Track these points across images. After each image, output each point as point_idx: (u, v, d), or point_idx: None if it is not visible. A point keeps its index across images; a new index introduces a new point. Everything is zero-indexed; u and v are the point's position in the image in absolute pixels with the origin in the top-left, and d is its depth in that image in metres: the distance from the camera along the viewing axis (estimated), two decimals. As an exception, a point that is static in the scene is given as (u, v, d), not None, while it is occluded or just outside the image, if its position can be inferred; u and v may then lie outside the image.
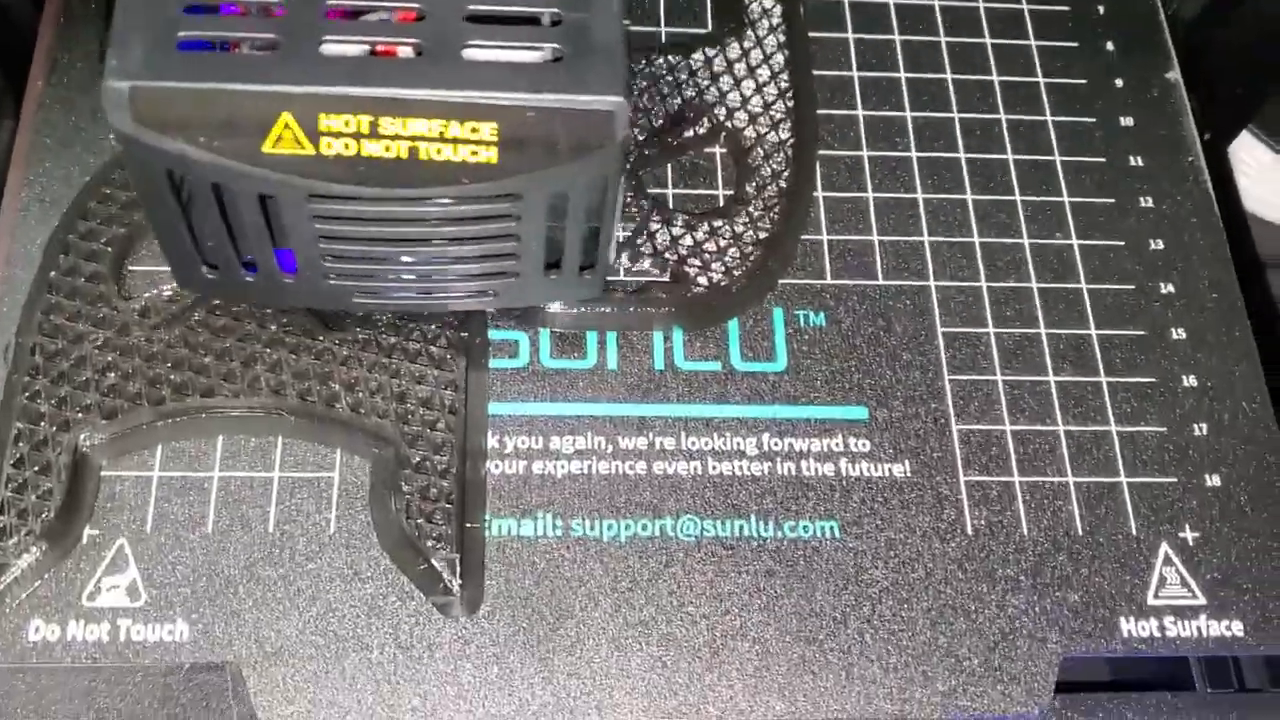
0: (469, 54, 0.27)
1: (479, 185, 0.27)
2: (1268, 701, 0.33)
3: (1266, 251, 0.41)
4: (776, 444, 0.34)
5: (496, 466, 0.33)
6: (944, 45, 0.40)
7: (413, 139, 0.27)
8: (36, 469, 0.31)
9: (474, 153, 0.27)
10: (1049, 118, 0.39)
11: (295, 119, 0.26)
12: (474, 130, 0.27)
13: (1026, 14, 0.41)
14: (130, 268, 0.34)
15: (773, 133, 0.37)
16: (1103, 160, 0.38)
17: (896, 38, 0.40)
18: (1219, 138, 0.42)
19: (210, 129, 0.26)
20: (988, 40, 0.40)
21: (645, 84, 0.38)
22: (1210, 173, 0.39)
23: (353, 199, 0.28)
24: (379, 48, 0.27)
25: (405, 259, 0.30)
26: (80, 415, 0.32)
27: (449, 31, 0.27)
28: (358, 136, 0.27)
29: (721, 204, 0.36)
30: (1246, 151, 0.44)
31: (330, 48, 0.27)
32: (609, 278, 0.34)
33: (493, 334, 0.34)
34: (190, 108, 0.26)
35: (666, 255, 0.35)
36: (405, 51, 0.27)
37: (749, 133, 0.37)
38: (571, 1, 0.27)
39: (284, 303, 0.33)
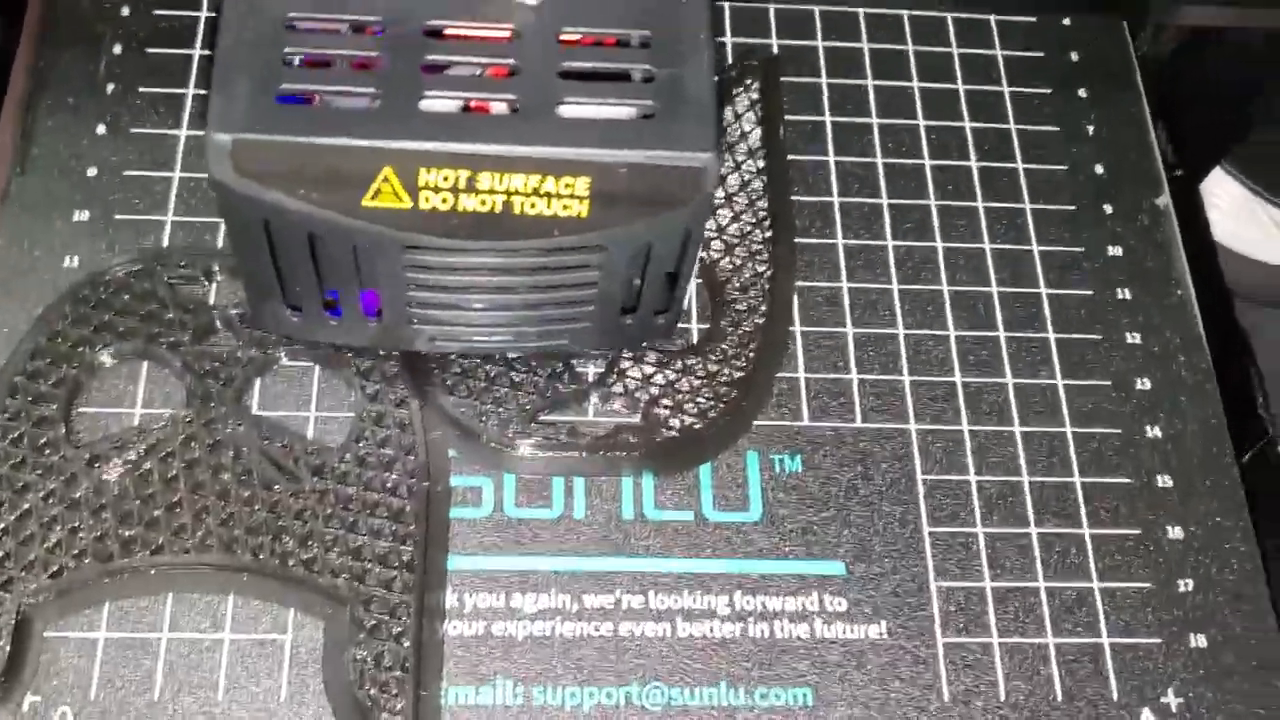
0: (563, 111, 0.27)
1: (569, 238, 0.28)
2: None
3: (1238, 283, 0.41)
4: (749, 602, 0.32)
5: (454, 627, 0.32)
6: (927, 168, 0.39)
7: (508, 193, 0.27)
8: (-25, 633, 0.30)
9: (566, 206, 0.27)
10: (1035, 248, 0.38)
11: (396, 173, 0.27)
12: (568, 185, 0.27)
13: (1014, 134, 0.40)
14: (80, 410, 0.33)
15: (749, 264, 0.36)
16: (1090, 294, 0.37)
17: (879, 160, 0.39)
18: (1191, 174, 0.42)
19: (310, 182, 0.27)
20: (973, 164, 0.39)
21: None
22: (1181, 208, 0.39)
23: (446, 250, 0.28)
24: (473, 103, 0.27)
25: (488, 306, 0.31)
26: (23, 573, 0.31)
27: (543, 88, 0.27)
28: (455, 191, 0.27)
29: (695, 340, 0.35)
30: (1219, 185, 0.44)
31: (429, 103, 0.27)
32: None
33: (455, 480, 0.33)
34: (291, 161, 0.26)
35: (638, 395, 0.34)
36: (498, 107, 0.27)
37: (725, 264, 0.36)
38: (662, 58, 0.28)
39: (362, 343, 0.33)
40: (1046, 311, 0.37)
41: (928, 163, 0.39)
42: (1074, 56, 0.41)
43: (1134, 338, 0.37)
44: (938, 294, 0.37)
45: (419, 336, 0.32)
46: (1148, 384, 0.36)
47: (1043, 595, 0.33)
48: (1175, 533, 0.34)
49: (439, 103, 0.27)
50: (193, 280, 0.35)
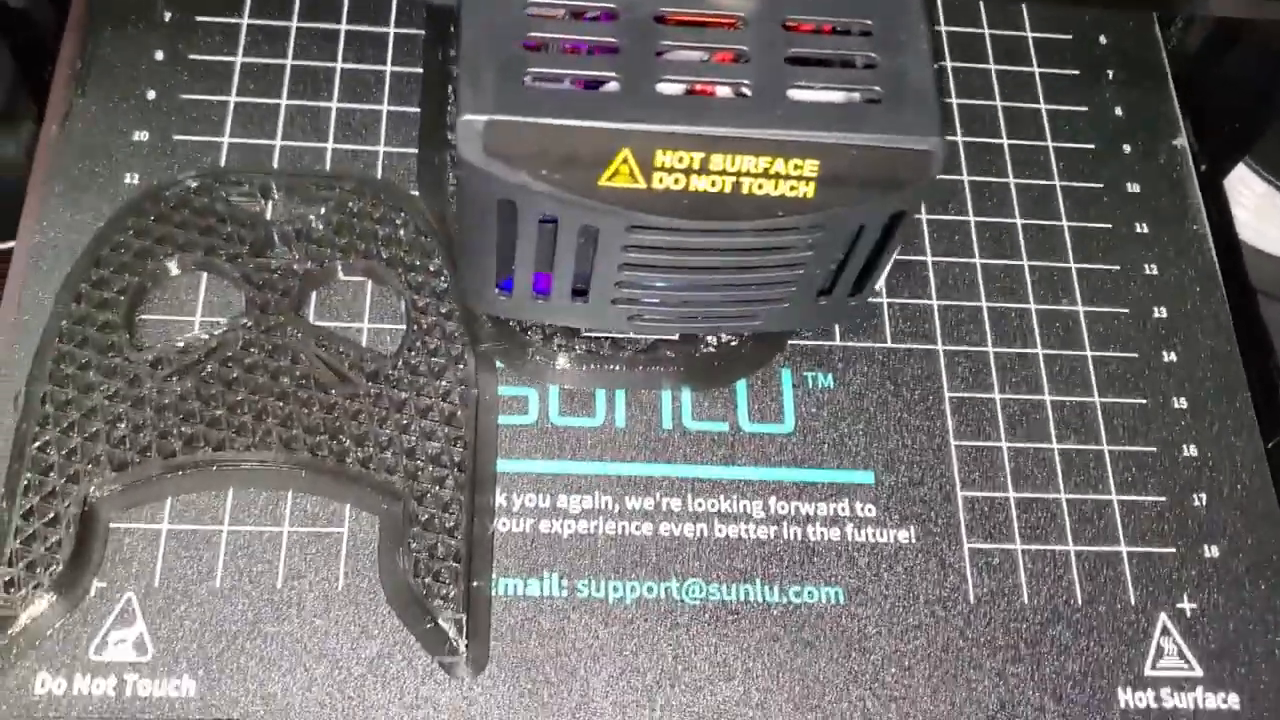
0: (793, 95, 0.28)
1: (794, 218, 0.29)
2: None
3: (1263, 281, 0.42)
4: (783, 507, 0.34)
5: (504, 525, 0.33)
6: (955, 107, 0.40)
7: (739, 174, 0.28)
8: (45, 521, 0.31)
9: (793, 187, 0.28)
10: (1057, 182, 0.39)
11: (634, 154, 0.28)
12: (797, 167, 0.28)
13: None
14: (142, 317, 0.34)
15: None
16: (1109, 227, 0.39)
17: None
18: (1216, 170, 0.43)
19: (554, 162, 0.28)
20: (998, 102, 0.40)
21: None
22: (1206, 205, 0.39)
23: (672, 230, 0.29)
24: (698, 87, 0.29)
25: (693, 287, 0.32)
26: (90, 467, 0.32)
27: (773, 73, 0.28)
28: (688, 172, 0.28)
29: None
30: (1243, 183, 0.44)
31: (664, 87, 0.28)
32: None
33: (502, 390, 0.35)
34: (537, 142, 0.28)
35: (676, 314, 0.36)
36: (723, 91, 0.29)
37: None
38: (884, 45, 0.29)
39: (564, 322, 0.34)
40: (1068, 243, 0.38)
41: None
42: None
43: (1151, 268, 0.38)
44: (964, 224, 0.38)
45: (619, 317, 0.33)
46: (1164, 312, 0.38)
47: (1064, 506, 0.35)
48: (1190, 450, 0.36)
49: (673, 86, 0.28)
50: (250, 197, 0.36)
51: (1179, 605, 0.34)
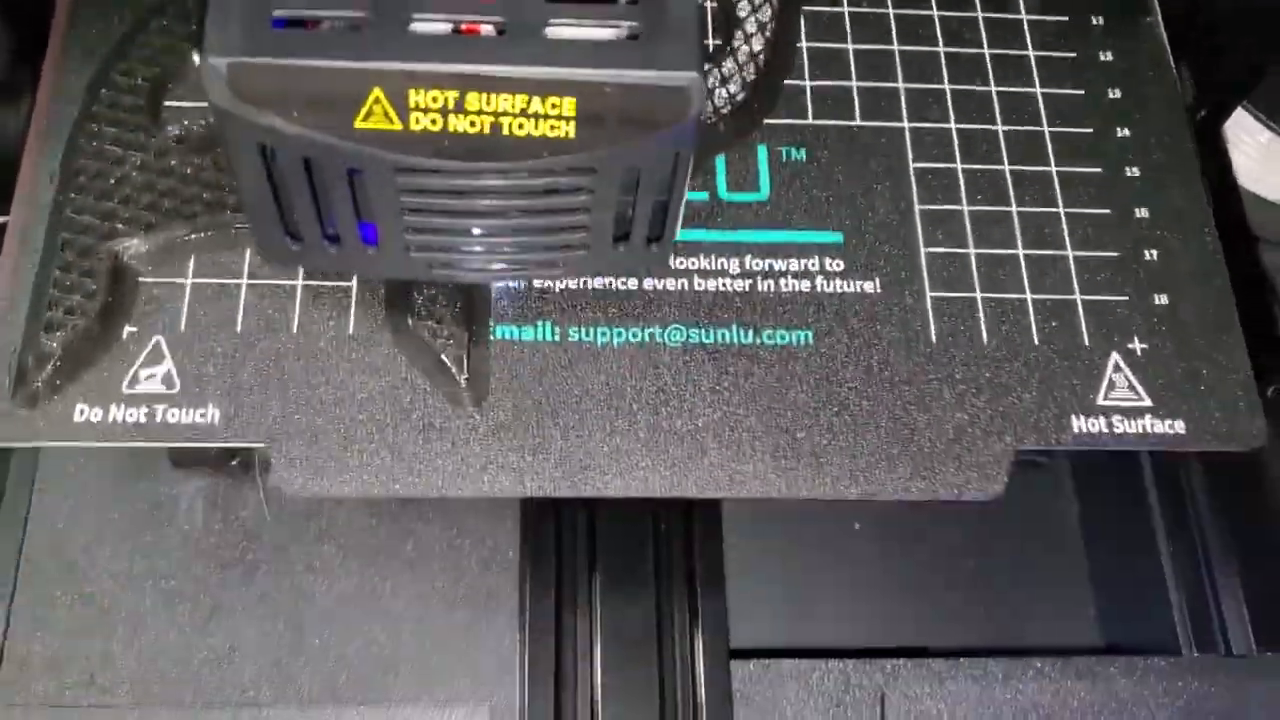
0: (550, 32, 0.28)
1: (557, 159, 0.29)
2: (1252, 665, 0.35)
3: (1264, 227, 0.43)
4: (758, 264, 0.36)
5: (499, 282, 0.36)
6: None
7: (496, 115, 0.28)
8: (81, 272, 0.34)
9: (554, 127, 0.28)
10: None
11: (386, 95, 0.27)
12: (554, 106, 0.28)
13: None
14: (167, 104, 0.37)
15: (759, -11, 0.40)
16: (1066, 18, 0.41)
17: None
18: (1214, 115, 0.44)
19: (304, 104, 0.28)
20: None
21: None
22: (1204, 149, 0.40)
23: (438, 172, 0.29)
24: (463, 26, 0.28)
25: (483, 233, 0.32)
26: (121, 227, 0.35)
27: (530, 9, 0.28)
28: (444, 112, 0.28)
29: (711, 50, 0.39)
30: (1246, 131, 0.45)
31: (418, 26, 0.28)
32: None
33: (497, 165, 0.37)
34: (286, 83, 0.27)
35: (658, 98, 0.38)
36: (487, 30, 0.28)
37: (736, -11, 0.40)
38: None
39: (364, 273, 0.35)
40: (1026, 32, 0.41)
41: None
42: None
43: (1106, 55, 0.41)
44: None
45: (417, 265, 0.33)
46: (1118, 93, 0.40)
47: (1021, 261, 0.37)
48: (1142, 212, 0.38)
49: (429, 25, 0.28)
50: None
51: (1130, 345, 0.36)
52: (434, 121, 0.28)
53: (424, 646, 0.37)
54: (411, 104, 0.28)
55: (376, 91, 0.27)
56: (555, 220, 0.32)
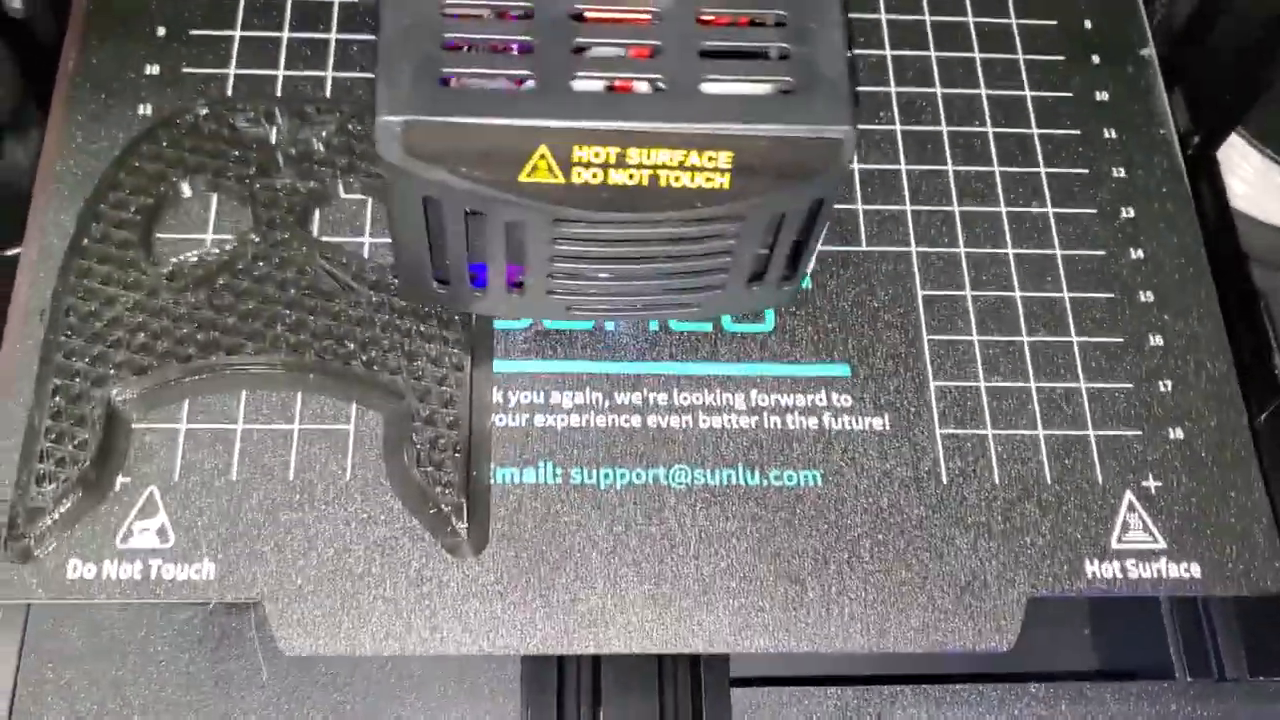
0: (706, 88, 0.29)
1: (711, 209, 0.30)
2: (1246, 690, 0.35)
3: (1256, 249, 0.42)
4: (763, 399, 0.36)
5: (501, 419, 0.35)
6: (927, 24, 0.42)
7: (655, 168, 0.29)
8: (73, 421, 0.33)
9: (709, 179, 0.29)
10: (1028, 92, 0.41)
11: (551, 151, 0.29)
12: (711, 159, 0.29)
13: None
14: (158, 235, 0.37)
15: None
16: (1078, 132, 0.40)
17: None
18: (1207, 141, 0.43)
19: (473, 160, 0.29)
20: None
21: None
22: (1197, 175, 0.40)
23: (596, 223, 0.30)
24: (617, 83, 0.29)
25: (624, 277, 0.33)
26: (113, 371, 0.34)
27: (686, 67, 0.29)
28: (606, 166, 0.29)
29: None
30: (1242, 157, 0.45)
31: (580, 84, 0.29)
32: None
33: (497, 297, 0.37)
34: (456, 140, 0.28)
35: (661, 223, 0.38)
36: (642, 86, 0.29)
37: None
38: (797, 36, 0.29)
39: (505, 315, 0.36)
40: (1038, 149, 0.40)
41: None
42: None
43: (1119, 171, 0.40)
44: (936, 135, 0.40)
45: (555, 307, 0.35)
46: (1131, 212, 0.39)
47: (1033, 394, 0.36)
48: (1155, 340, 0.37)
49: (588, 83, 0.29)
50: (256, 123, 0.38)
51: (1144, 484, 0.35)
52: (595, 175, 0.29)
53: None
54: (575, 159, 0.29)
55: (542, 148, 0.28)
56: (697, 264, 0.33)
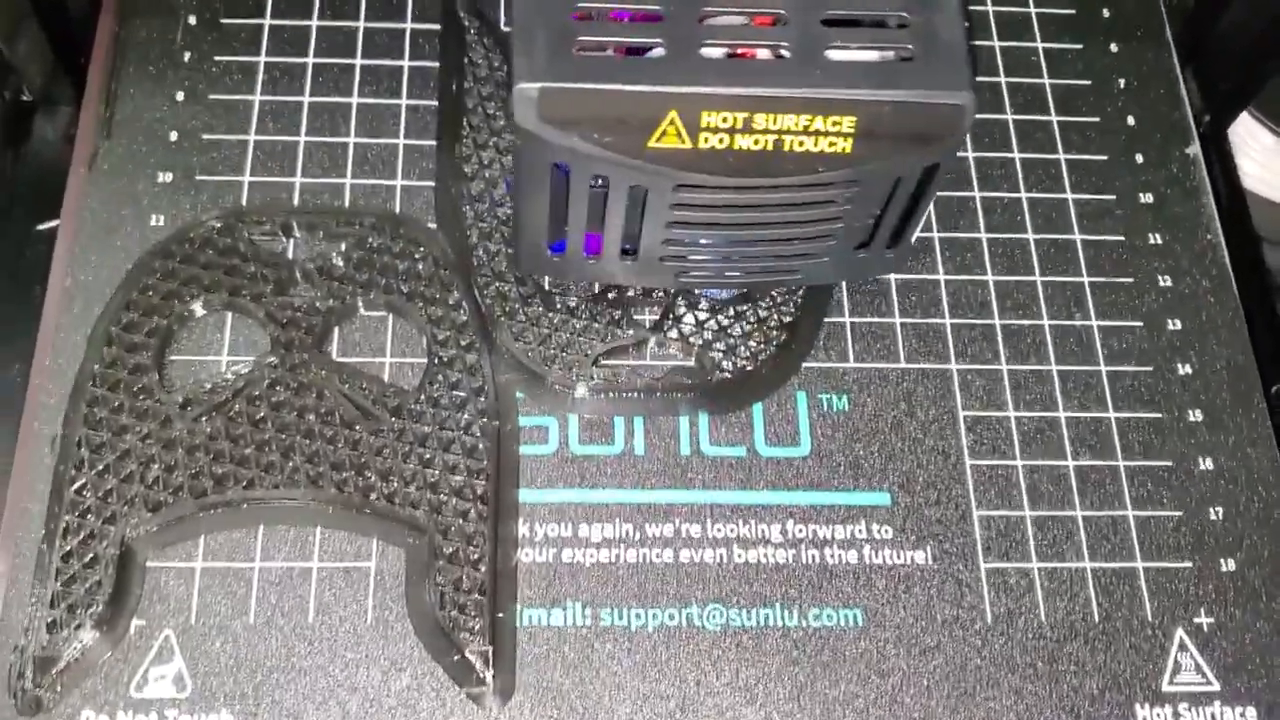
0: (829, 55, 0.30)
1: (834, 173, 0.31)
2: None
3: (1269, 228, 0.42)
4: (800, 531, 0.34)
5: (526, 554, 0.34)
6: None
7: (780, 132, 0.30)
8: (84, 562, 0.32)
9: (832, 144, 0.30)
10: (1069, 195, 0.39)
11: (680, 116, 0.29)
12: (835, 124, 0.30)
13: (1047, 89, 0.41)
14: (171, 358, 0.35)
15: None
16: (1121, 239, 0.39)
17: None
18: (1219, 119, 0.43)
19: (604, 125, 0.29)
20: (1009, 117, 0.41)
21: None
22: (1210, 153, 0.41)
23: (717, 189, 0.31)
24: (739, 50, 0.30)
25: (736, 243, 0.34)
26: (126, 508, 0.33)
27: (810, 34, 0.30)
28: (733, 131, 0.30)
29: (745, 289, 0.37)
30: (1252, 135, 0.45)
31: (707, 51, 0.30)
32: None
33: (523, 420, 0.35)
34: (589, 107, 0.29)
35: (691, 339, 0.36)
36: (763, 54, 0.30)
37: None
38: (917, 5, 0.30)
39: (614, 280, 0.36)
40: (1080, 256, 0.39)
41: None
42: (1105, 13, 0.43)
43: (1165, 280, 0.38)
44: (976, 241, 0.39)
45: (666, 273, 0.35)
46: (1178, 324, 0.38)
47: (1079, 523, 0.35)
48: (1205, 464, 0.36)
49: (716, 50, 0.30)
50: (272, 235, 0.37)
51: (1196, 620, 0.34)
52: (721, 140, 0.30)
53: None
54: (703, 124, 0.29)
55: (672, 114, 0.29)
56: (809, 229, 0.33)
